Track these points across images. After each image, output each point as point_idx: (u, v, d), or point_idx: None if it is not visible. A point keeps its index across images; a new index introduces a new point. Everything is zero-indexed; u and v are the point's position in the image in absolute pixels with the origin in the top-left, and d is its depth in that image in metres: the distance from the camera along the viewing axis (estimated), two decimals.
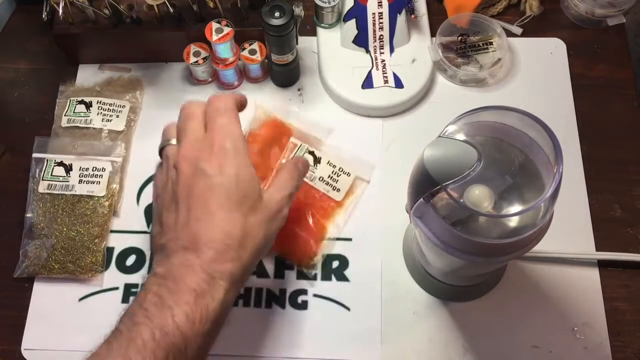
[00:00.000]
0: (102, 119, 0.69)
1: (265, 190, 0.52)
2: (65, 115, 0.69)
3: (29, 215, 0.64)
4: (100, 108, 0.70)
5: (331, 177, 0.65)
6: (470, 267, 0.53)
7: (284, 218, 0.53)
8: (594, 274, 0.62)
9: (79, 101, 0.70)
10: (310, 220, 0.63)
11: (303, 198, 0.64)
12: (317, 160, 0.66)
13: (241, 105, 0.56)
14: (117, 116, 0.70)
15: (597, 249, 0.63)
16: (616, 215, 0.65)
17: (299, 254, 0.62)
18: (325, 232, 0.64)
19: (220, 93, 0.67)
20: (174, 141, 0.53)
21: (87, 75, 0.73)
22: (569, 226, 0.63)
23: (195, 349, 0.45)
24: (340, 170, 0.66)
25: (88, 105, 0.70)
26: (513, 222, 0.46)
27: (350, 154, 0.67)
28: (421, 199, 0.46)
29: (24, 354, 0.60)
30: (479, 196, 0.44)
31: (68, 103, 0.70)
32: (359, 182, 0.66)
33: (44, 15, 0.69)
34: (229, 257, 0.48)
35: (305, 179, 0.65)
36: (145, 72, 0.73)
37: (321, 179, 0.65)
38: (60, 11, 0.65)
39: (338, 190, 0.65)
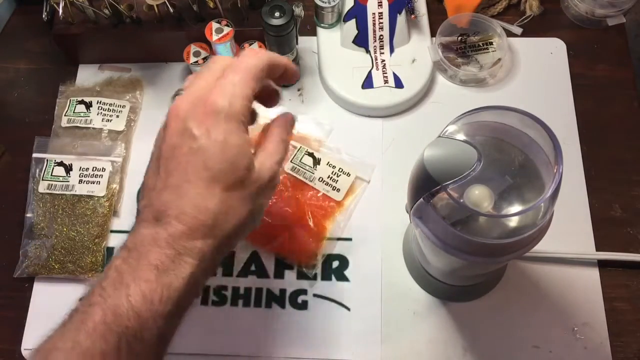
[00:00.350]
0: (102, 119, 0.69)
1: (254, 156, 0.46)
2: (65, 115, 0.69)
3: (29, 215, 0.64)
4: (100, 108, 0.70)
5: (331, 178, 0.66)
6: (470, 267, 0.53)
7: (274, 187, 0.47)
8: (594, 274, 0.62)
9: (79, 101, 0.70)
10: (310, 221, 0.63)
11: (303, 198, 0.64)
12: (316, 162, 0.66)
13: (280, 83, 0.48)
14: (117, 116, 0.70)
15: (597, 249, 0.63)
16: (616, 215, 0.65)
17: (299, 254, 0.62)
18: (325, 232, 0.64)
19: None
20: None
21: (87, 75, 0.73)
22: (569, 226, 0.63)
23: (155, 334, 0.41)
24: (340, 170, 0.66)
25: (88, 105, 0.70)
26: (513, 222, 0.46)
27: (349, 155, 0.67)
28: (421, 199, 0.46)
29: (24, 354, 0.60)
30: (479, 196, 0.44)
31: (68, 103, 0.70)
32: (359, 182, 0.66)
33: (44, 15, 0.69)
34: (199, 234, 0.42)
35: (305, 180, 0.65)
36: (145, 72, 0.73)
37: (321, 179, 0.65)
38: (60, 11, 0.65)
39: (338, 190, 0.65)
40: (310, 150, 0.67)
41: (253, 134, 0.59)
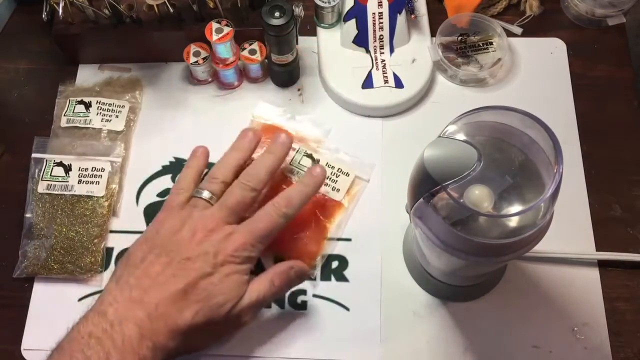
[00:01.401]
0: (102, 119, 0.69)
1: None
2: (64, 115, 0.69)
3: (28, 215, 0.64)
4: (99, 108, 0.70)
5: (330, 178, 0.65)
6: (470, 267, 0.53)
7: (239, 325, 0.55)
8: (594, 274, 0.62)
9: (78, 101, 0.70)
10: (311, 221, 0.63)
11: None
12: (315, 163, 0.66)
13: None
14: (117, 116, 0.70)
15: (597, 249, 0.63)
16: (616, 215, 0.65)
17: (299, 254, 0.62)
18: (326, 232, 0.64)
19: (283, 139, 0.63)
20: (206, 193, 0.57)
21: (87, 75, 0.73)
22: (569, 226, 0.63)
23: None
24: (339, 170, 0.66)
25: (87, 106, 0.70)
26: (513, 222, 0.46)
27: (348, 154, 0.67)
28: (421, 199, 0.46)
29: (24, 354, 0.60)
30: (479, 196, 0.44)
31: (67, 103, 0.70)
32: (358, 182, 0.66)
33: (44, 15, 0.69)
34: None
35: None
36: (145, 72, 0.73)
37: None
38: (60, 11, 0.65)
39: (338, 190, 0.65)
40: (309, 152, 0.67)
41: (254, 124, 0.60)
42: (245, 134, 0.61)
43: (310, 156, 0.67)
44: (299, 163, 0.66)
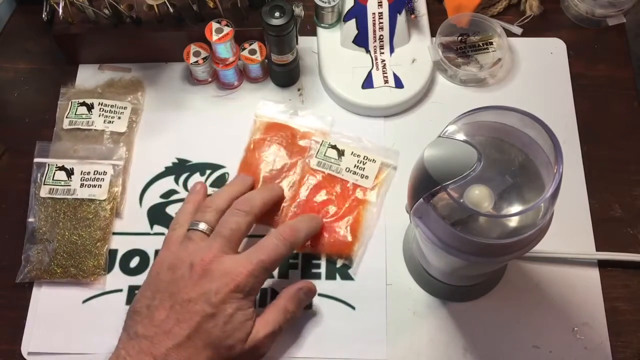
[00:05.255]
0: (104, 121, 0.69)
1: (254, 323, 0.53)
2: (67, 117, 0.69)
3: (30, 220, 0.64)
4: (102, 110, 0.70)
5: (357, 166, 0.66)
6: (470, 267, 0.53)
7: (259, 357, 0.54)
8: (594, 274, 0.62)
9: (80, 103, 0.70)
10: (346, 214, 0.64)
11: (337, 190, 0.65)
12: (340, 153, 0.67)
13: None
14: (119, 118, 0.69)
15: (597, 249, 0.63)
16: (616, 215, 0.65)
17: (336, 246, 0.63)
18: (361, 221, 0.64)
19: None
20: (203, 225, 0.56)
21: (87, 75, 0.73)
22: (569, 226, 0.63)
23: None
24: (365, 158, 0.67)
25: (90, 107, 0.70)
26: (513, 222, 0.46)
27: (371, 142, 0.68)
28: (421, 199, 0.46)
29: (27, 357, 0.60)
30: (479, 196, 0.44)
31: (70, 105, 0.70)
32: (384, 168, 0.67)
33: (44, 15, 0.69)
34: None
35: (332, 172, 0.66)
36: (146, 72, 0.73)
37: (347, 169, 0.66)
38: (60, 11, 0.65)
39: (366, 177, 0.66)
40: (333, 143, 0.67)
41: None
42: (241, 176, 0.63)
43: (334, 147, 0.67)
44: (324, 155, 0.67)
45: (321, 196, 0.65)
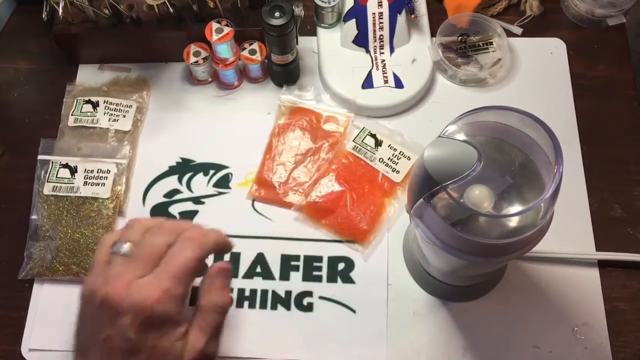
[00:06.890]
0: (109, 119, 0.69)
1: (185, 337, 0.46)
2: (72, 115, 0.69)
3: (33, 217, 0.64)
4: (107, 108, 0.70)
5: (391, 160, 0.67)
6: (470, 267, 0.53)
7: None
8: (594, 274, 0.62)
9: (85, 101, 0.70)
10: (369, 203, 0.65)
11: (365, 176, 0.66)
12: (378, 143, 0.68)
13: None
14: (124, 116, 0.69)
15: (597, 249, 0.63)
16: (616, 215, 0.65)
17: (351, 230, 0.64)
18: (383, 210, 0.65)
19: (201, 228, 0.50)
20: (125, 247, 0.47)
21: (87, 75, 0.73)
22: (569, 226, 0.63)
23: None
24: (401, 153, 0.67)
25: (95, 105, 0.70)
26: (513, 222, 0.46)
27: (411, 139, 0.68)
28: (421, 199, 0.46)
29: (27, 354, 0.60)
30: (479, 196, 0.44)
31: (75, 102, 0.70)
32: None
33: (44, 15, 0.69)
34: None
35: (366, 159, 0.67)
36: (146, 72, 0.73)
37: (381, 160, 0.67)
38: (60, 11, 0.65)
39: (397, 172, 0.66)
40: (373, 132, 0.68)
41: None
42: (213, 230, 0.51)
43: (374, 136, 0.68)
44: (362, 141, 0.68)
45: (349, 178, 0.66)
